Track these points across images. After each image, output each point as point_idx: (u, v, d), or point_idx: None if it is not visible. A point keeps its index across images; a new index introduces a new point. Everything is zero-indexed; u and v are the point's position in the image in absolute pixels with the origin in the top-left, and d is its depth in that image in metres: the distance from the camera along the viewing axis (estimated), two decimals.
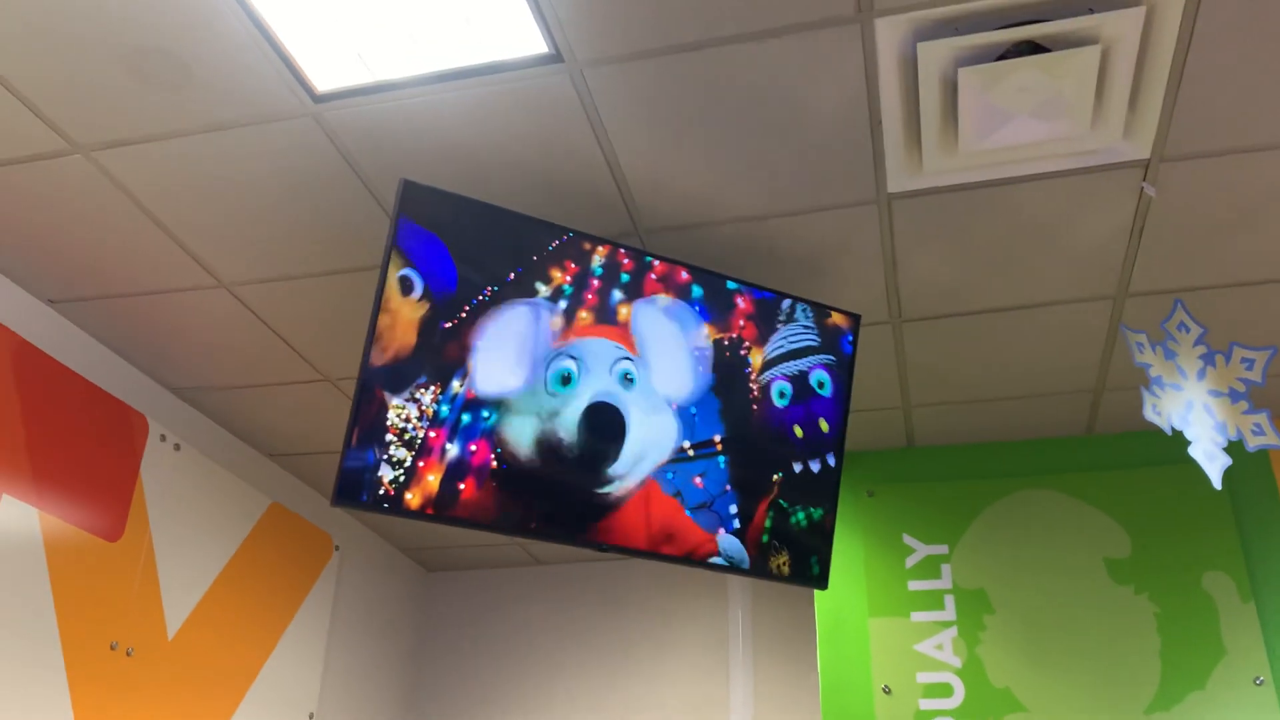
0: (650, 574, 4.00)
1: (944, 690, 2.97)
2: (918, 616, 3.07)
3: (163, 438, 3.00)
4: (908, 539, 3.18)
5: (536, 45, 1.99)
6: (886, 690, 2.99)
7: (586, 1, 1.89)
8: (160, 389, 3.08)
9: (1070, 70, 1.96)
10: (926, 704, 2.96)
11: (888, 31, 1.93)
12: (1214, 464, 2.06)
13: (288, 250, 2.54)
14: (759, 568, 2.02)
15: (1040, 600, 3.03)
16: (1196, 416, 2.11)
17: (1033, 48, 1.96)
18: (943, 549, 3.15)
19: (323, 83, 2.09)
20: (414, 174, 2.29)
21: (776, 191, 2.32)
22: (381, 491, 2.00)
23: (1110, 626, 2.96)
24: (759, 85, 2.05)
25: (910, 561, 3.15)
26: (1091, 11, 1.89)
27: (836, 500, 2.13)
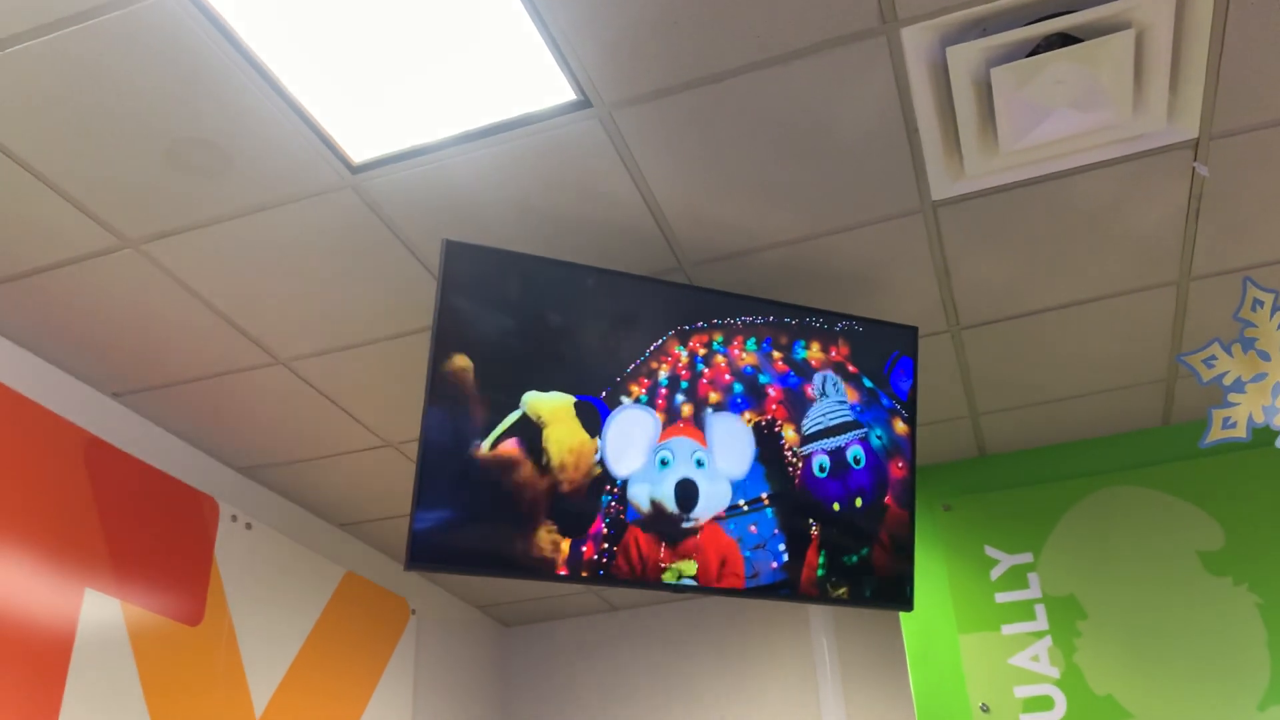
0: (725, 613, 3.94)
1: (1044, 703, 2.87)
2: (1009, 629, 2.98)
3: (234, 518, 3.02)
4: (990, 550, 3.10)
5: (564, 93, 2.00)
6: (984, 708, 2.90)
7: (609, 45, 1.90)
8: (228, 470, 3.12)
9: (1105, 58, 1.92)
10: (1028, 719, 2.86)
11: (915, 39, 1.91)
12: None
13: (339, 321, 2.57)
14: (822, 594, 2.36)
15: (1135, 601, 2.92)
16: None
17: (1064, 39, 1.92)
18: (1027, 557, 3.06)
19: (358, 153, 2.11)
20: (455, 233, 2.31)
21: (819, 211, 2.30)
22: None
23: (1211, 621, 2.84)
24: (790, 107, 2.03)
25: (995, 573, 3.07)
26: None
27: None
